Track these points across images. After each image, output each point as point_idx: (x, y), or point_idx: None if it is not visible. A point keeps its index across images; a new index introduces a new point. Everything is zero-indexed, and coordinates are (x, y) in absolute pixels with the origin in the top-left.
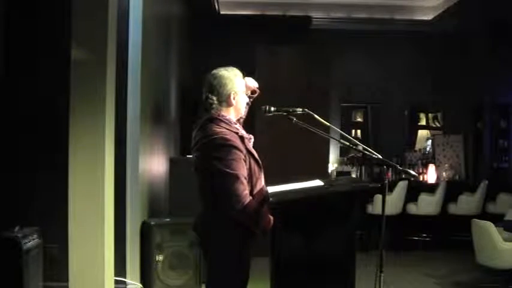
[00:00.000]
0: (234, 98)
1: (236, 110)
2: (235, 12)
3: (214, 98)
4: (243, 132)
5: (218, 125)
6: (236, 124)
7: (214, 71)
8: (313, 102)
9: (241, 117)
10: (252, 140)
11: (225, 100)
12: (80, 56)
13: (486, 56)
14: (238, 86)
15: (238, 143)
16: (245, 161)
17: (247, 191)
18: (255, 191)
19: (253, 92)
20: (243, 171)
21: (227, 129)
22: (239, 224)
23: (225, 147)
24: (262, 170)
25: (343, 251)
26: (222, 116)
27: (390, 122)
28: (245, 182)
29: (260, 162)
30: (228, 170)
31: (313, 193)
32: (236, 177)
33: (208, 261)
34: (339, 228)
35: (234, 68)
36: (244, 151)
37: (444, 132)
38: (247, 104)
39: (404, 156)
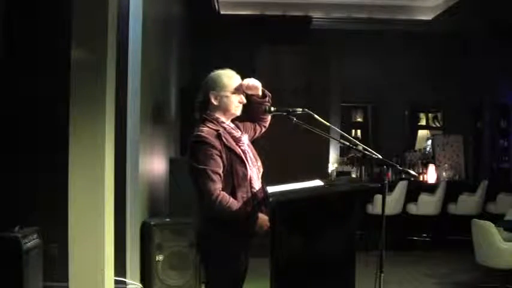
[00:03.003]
0: (215, 98)
1: (223, 110)
2: (235, 12)
3: (200, 99)
4: (231, 130)
5: (204, 124)
6: (224, 123)
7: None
8: (313, 102)
9: (263, 121)
10: (245, 138)
11: (207, 100)
12: (80, 56)
13: (486, 56)
14: (219, 87)
15: (211, 139)
16: (220, 157)
17: (216, 186)
18: (238, 189)
19: (263, 95)
20: (213, 166)
21: (209, 127)
22: (225, 224)
23: (197, 143)
24: (249, 169)
25: (343, 251)
26: (210, 115)
27: (390, 122)
28: (214, 176)
29: (247, 160)
30: (197, 165)
31: (313, 193)
32: (205, 172)
33: (203, 261)
34: (339, 228)
35: (227, 69)
36: (219, 147)
37: (444, 132)
38: (265, 105)
39: (404, 156)
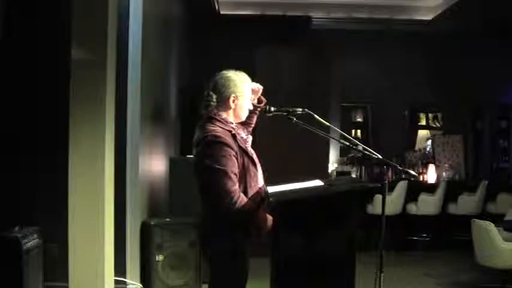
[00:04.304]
0: (233, 101)
1: (235, 113)
2: (235, 12)
3: (214, 97)
4: (239, 131)
5: (213, 124)
6: (232, 124)
7: (223, 72)
8: (313, 102)
9: (249, 126)
10: (250, 139)
11: (224, 101)
12: (80, 56)
13: (486, 56)
14: (241, 91)
15: (229, 140)
16: (237, 158)
17: (236, 187)
18: (250, 189)
19: (259, 101)
20: (232, 167)
21: (221, 127)
22: (235, 223)
23: (215, 144)
24: (258, 169)
25: (343, 251)
26: (219, 115)
27: (390, 122)
28: (234, 178)
29: (256, 161)
30: (216, 166)
31: (313, 193)
32: (224, 173)
33: (208, 261)
34: (339, 228)
35: (244, 74)
36: (236, 148)
37: (444, 132)
38: (255, 113)
39: (404, 156)
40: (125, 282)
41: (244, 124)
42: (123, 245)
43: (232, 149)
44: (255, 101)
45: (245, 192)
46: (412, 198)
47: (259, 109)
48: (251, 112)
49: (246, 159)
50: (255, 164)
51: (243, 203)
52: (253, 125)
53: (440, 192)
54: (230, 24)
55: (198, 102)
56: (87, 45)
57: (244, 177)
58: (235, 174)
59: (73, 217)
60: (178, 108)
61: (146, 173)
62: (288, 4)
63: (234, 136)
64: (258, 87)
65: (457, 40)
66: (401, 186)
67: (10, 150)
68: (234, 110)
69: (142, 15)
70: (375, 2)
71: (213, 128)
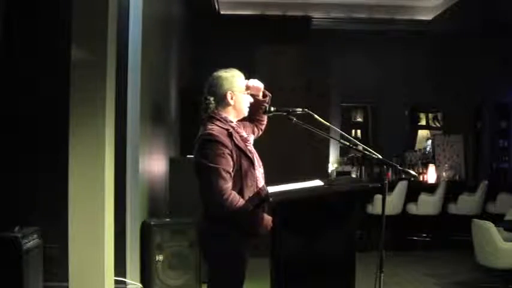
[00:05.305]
0: (231, 98)
1: (236, 109)
2: (235, 12)
3: (212, 99)
4: (239, 130)
5: (212, 123)
6: (232, 122)
7: (214, 73)
8: (313, 102)
9: (259, 123)
10: (252, 138)
11: (222, 100)
12: (80, 56)
13: (486, 56)
14: (235, 86)
15: (223, 138)
16: (231, 157)
17: (228, 185)
18: (246, 189)
19: (264, 95)
20: (225, 166)
21: (219, 126)
22: (230, 222)
23: (209, 142)
24: (257, 168)
25: (343, 251)
26: (219, 114)
27: (390, 122)
28: (227, 176)
29: (255, 161)
30: (209, 164)
31: (313, 193)
32: (216, 171)
33: (207, 262)
34: (339, 228)
35: (234, 69)
36: (231, 147)
37: (444, 132)
38: (261, 109)
39: (404, 156)
40: (124, 282)
41: (254, 121)
42: (123, 245)
43: (226, 147)
44: (260, 97)
45: (241, 191)
46: (412, 198)
47: (265, 104)
48: (257, 109)
49: (243, 159)
50: (253, 164)
51: (235, 201)
52: (264, 122)
53: (440, 192)
54: (230, 24)
55: (198, 102)
56: (87, 45)
57: (240, 176)
58: (228, 172)
59: (73, 217)
60: (178, 108)
61: (146, 173)
62: (288, 4)
63: (230, 135)
64: (254, 84)
65: (457, 40)
66: (401, 186)
67: (10, 150)
68: (234, 106)
69: (142, 15)
70: (375, 2)
71: (210, 126)
